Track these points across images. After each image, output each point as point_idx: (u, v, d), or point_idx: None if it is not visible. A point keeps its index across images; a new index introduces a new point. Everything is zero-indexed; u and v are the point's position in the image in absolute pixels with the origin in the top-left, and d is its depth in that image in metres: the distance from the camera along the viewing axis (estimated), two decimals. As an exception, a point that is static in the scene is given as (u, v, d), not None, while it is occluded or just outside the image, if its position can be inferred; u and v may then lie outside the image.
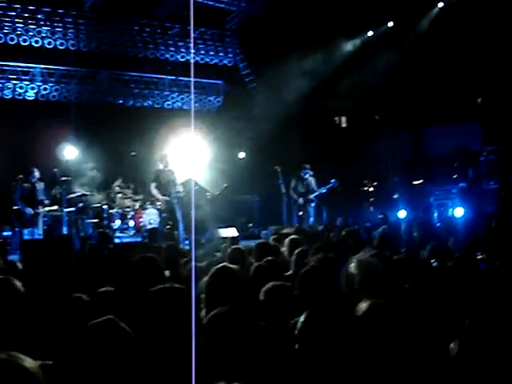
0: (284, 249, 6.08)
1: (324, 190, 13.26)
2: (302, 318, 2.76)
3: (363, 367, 2.72)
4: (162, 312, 3.28)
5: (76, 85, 14.71)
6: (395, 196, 14.38)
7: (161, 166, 12.08)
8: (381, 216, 13.34)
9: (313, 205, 13.31)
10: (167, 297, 3.48)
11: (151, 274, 4.32)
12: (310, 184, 13.35)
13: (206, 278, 3.74)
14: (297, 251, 5.19)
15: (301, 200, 13.22)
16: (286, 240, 6.09)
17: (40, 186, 11.64)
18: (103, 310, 3.11)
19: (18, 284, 3.57)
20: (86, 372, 2.57)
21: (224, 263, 3.87)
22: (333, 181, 13.26)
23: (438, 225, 11.99)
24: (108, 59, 14.93)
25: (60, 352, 3.00)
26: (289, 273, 5.14)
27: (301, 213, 13.24)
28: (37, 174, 11.56)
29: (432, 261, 5.10)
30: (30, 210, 11.27)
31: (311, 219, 13.14)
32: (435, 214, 13.34)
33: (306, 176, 13.38)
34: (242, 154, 16.29)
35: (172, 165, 12.17)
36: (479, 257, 5.37)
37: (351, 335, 2.72)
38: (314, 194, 13.22)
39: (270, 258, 5.26)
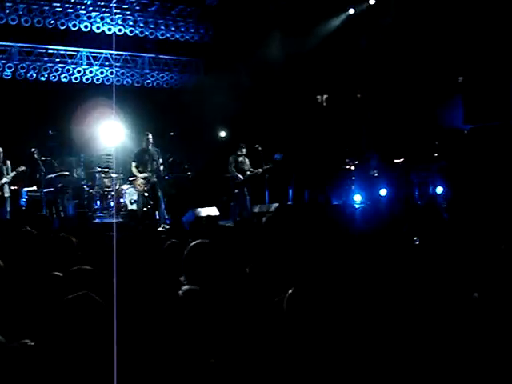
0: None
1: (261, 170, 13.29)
2: (289, 291, 2.75)
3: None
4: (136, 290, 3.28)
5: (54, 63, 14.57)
6: (376, 174, 14.41)
7: (144, 145, 12.04)
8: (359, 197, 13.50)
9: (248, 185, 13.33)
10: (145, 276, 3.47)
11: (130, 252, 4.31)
12: (244, 163, 13.34)
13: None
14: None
15: (239, 177, 13.20)
16: (264, 218, 6.10)
17: (6, 166, 11.27)
18: (78, 288, 3.09)
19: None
20: (62, 346, 2.58)
21: (200, 239, 3.85)
22: (277, 155, 13.29)
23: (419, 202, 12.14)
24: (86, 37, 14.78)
25: (37, 329, 2.99)
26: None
27: (236, 191, 13.21)
28: None
29: (415, 238, 5.14)
30: None
31: (248, 198, 13.13)
32: (416, 192, 13.43)
33: (241, 155, 13.37)
34: (222, 133, 16.25)
35: (154, 144, 12.13)
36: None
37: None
38: (248, 175, 13.25)
39: (250, 235, 5.26)
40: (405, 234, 5.18)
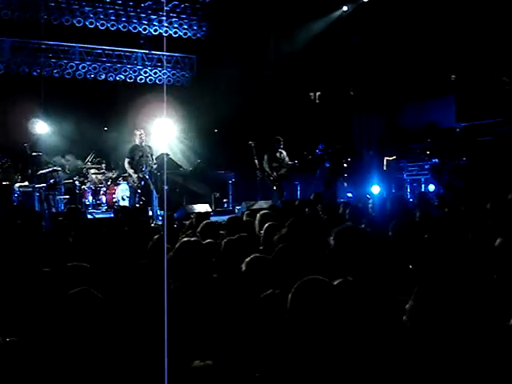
0: (256, 223, 6.05)
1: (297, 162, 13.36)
2: (292, 290, 2.71)
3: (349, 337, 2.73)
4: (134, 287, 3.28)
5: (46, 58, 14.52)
6: (368, 171, 14.44)
7: (137, 141, 11.98)
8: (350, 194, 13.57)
9: (286, 179, 13.28)
10: (141, 272, 3.47)
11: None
12: (280, 158, 13.24)
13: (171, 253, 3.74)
14: (266, 226, 5.16)
15: (274, 174, 13.16)
16: (257, 215, 6.06)
17: None
18: (72, 284, 3.09)
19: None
20: (60, 341, 2.58)
21: (187, 238, 3.84)
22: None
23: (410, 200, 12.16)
24: (79, 32, 14.73)
25: (29, 324, 2.98)
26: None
27: (275, 188, 13.19)
28: None
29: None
30: None
31: (285, 194, 13.13)
32: (408, 190, 13.48)
33: (278, 150, 13.23)
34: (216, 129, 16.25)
35: (147, 140, 12.10)
36: None
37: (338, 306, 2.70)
38: (286, 169, 13.21)
39: (241, 232, 5.23)
40: (394, 232, 5.18)
